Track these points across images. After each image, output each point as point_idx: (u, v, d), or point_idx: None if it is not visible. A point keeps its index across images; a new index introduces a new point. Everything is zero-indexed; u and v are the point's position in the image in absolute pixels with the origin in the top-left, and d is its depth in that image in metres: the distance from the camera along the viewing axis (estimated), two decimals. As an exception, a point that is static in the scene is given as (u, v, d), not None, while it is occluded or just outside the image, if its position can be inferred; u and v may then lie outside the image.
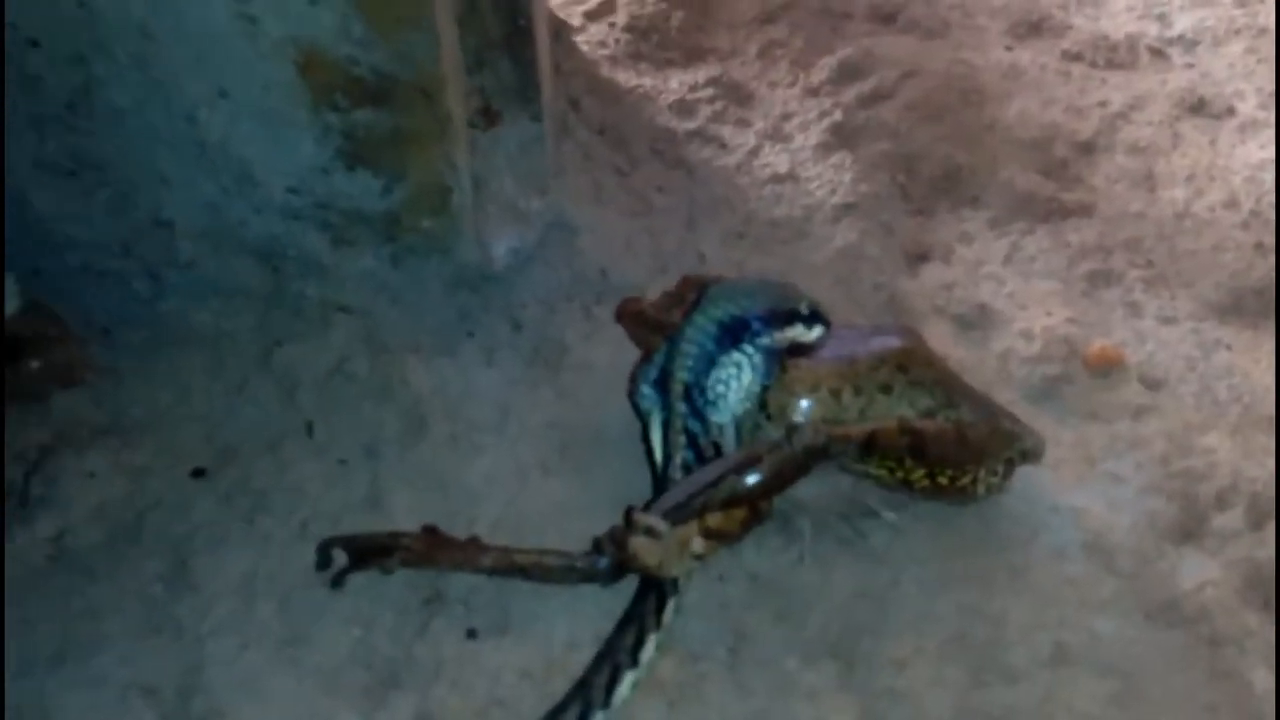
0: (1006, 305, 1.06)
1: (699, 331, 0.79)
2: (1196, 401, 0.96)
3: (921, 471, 0.80)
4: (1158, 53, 1.39)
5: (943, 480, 0.80)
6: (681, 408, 0.79)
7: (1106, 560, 0.83)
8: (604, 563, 0.74)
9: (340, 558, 0.78)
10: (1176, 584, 0.82)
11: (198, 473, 0.85)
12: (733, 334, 0.79)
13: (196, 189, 0.89)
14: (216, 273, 0.94)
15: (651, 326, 0.85)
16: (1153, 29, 1.41)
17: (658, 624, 0.74)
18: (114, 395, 0.91)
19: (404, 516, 0.81)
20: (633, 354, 0.94)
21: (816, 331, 0.83)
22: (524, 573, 0.76)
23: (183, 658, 0.75)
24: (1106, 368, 0.99)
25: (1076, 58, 1.38)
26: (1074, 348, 1.00)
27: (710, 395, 0.79)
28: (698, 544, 0.74)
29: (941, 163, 1.21)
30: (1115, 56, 1.38)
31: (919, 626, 0.78)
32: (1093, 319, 1.03)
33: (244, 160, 0.88)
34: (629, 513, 0.73)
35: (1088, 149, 1.24)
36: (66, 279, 0.93)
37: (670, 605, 0.75)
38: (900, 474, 0.80)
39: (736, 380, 0.79)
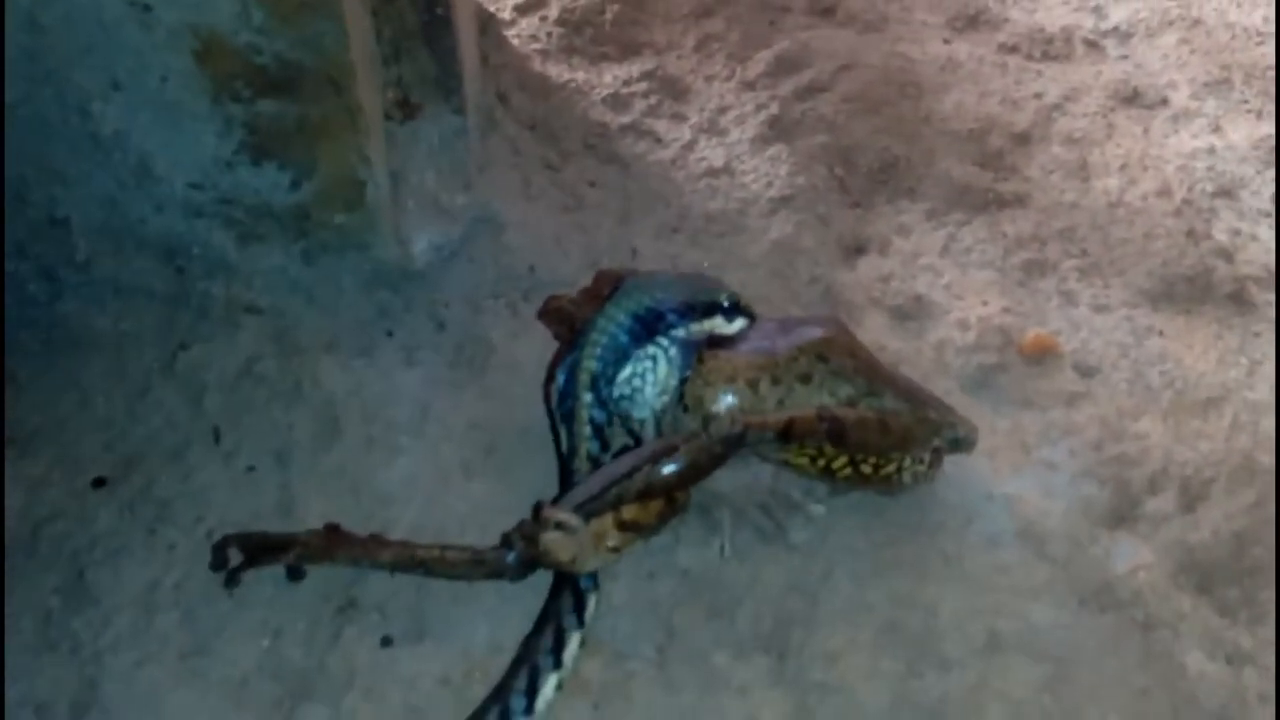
0: (943, 296, 1.06)
1: (610, 322, 0.77)
2: (1129, 388, 0.96)
3: (843, 460, 0.78)
4: (1092, 44, 1.40)
5: (866, 469, 0.79)
6: (587, 397, 0.77)
7: (1040, 547, 0.82)
8: (512, 557, 0.72)
9: (237, 557, 0.75)
10: (1109, 569, 0.81)
11: (98, 482, 0.82)
12: (647, 326, 0.77)
13: (93, 185, 0.86)
14: (116, 273, 0.90)
15: (571, 323, 0.83)
16: (1088, 21, 1.43)
17: (579, 622, 0.71)
18: (10, 403, 0.87)
19: (316, 523, 0.78)
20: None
21: (738, 324, 0.81)
22: (426, 568, 0.74)
23: (79, 673, 0.71)
24: (1041, 355, 0.99)
25: (1013, 50, 1.39)
26: (1009, 337, 1.00)
27: (627, 389, 0.77)
28: (613, 537, 0.72)
29: (879, 155, 1.21)
30: (1051, 48, 1.39)
31: (852, 618, 0.76)
32: (1028, 308, 1.04)
33: (142, 154, 0.85)
34: (538, 508, 0.71)
35: (1023, 140, 1.25)
36: (-44, 283, 0.89)
37: (592, 601, 0.73)
38: (821, 462, 0.78)
39: (652, 374, 0.78)
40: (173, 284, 0.92)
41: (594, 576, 0.73)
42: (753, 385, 0.78)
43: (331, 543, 0.74)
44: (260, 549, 0.74)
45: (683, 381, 0.78)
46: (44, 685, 0.71)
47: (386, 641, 0.73)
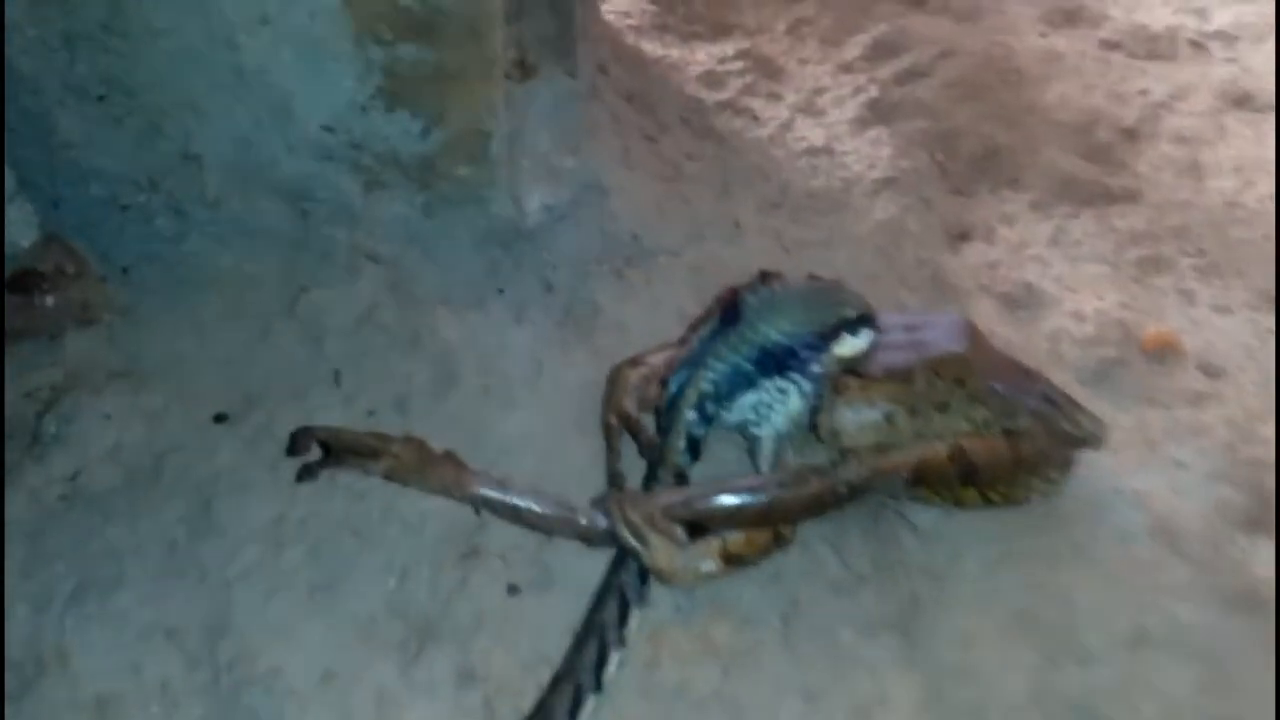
0: (1054, 287, 1.03)
1: (734, 352, 0.76)
2: (1258, 390, 0.93)
3: (973, 492, 0.76)
4: (1197, 45, 1.39)
5: (995, 497, 0.77)
6: (690, 415, 0.76)
7: (1175, 545, 0.79)
8: (605, 524, 0.69)
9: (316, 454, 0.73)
10: (1252, 572, 0.78)
11: (219, 418, 0.81)
12: (776, 361, 0.75)
13: (229, 121, 0.85)
14: (243, 213, 0.89)
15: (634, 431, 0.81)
16: (1191, 22, 1.42)
17: (621, 640, 0.68)
18: (131, 336, 0.87)
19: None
20: (665, 314, 0.93)
21: (864, 337, 0.77)
22: (516, 513, 0.70)
23: (208, 601, 0.70)
24: (1163, 353, 0.96)
25: (1115, 46, 1.38)
26: (1129, 331, 0.97)
27: (753, 415, 0.76)
28: (710, 564, 0.70)
29: (981, 142, 1.19)
30: (1155, 47, 1.38)
31: (983, 603, 0.74)
32: (1145, 305, 1.01)
33: (281, 92, 0.84)
34: (652, 512, 0.68)
35: (1131, 135, 1.23)
36: (88, 212, 0.89)
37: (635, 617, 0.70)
38: (950, 497, 0.76)
39: (783, 405, 0.76)
40: (297, 227, 0.91)
41: (646, 591, 0.70)
42: (890, 419, 0.75)
43: (422, 461, 0.70)
44: (347, 449, 0.70)
45: (814, 410, 0.75)
46: (174, 611, 0.69)
47: (513, 589, 0.71)
